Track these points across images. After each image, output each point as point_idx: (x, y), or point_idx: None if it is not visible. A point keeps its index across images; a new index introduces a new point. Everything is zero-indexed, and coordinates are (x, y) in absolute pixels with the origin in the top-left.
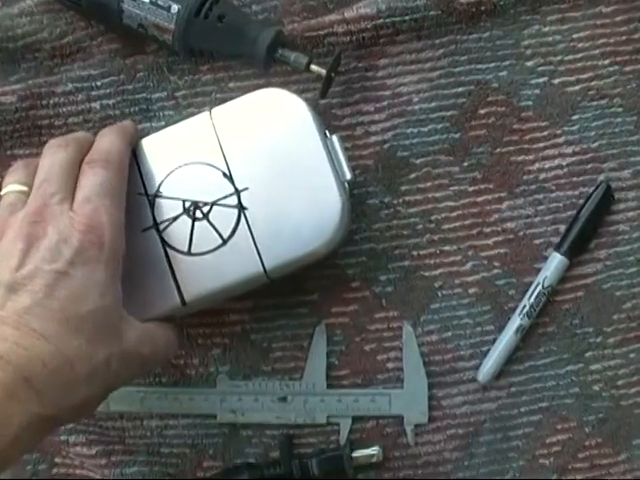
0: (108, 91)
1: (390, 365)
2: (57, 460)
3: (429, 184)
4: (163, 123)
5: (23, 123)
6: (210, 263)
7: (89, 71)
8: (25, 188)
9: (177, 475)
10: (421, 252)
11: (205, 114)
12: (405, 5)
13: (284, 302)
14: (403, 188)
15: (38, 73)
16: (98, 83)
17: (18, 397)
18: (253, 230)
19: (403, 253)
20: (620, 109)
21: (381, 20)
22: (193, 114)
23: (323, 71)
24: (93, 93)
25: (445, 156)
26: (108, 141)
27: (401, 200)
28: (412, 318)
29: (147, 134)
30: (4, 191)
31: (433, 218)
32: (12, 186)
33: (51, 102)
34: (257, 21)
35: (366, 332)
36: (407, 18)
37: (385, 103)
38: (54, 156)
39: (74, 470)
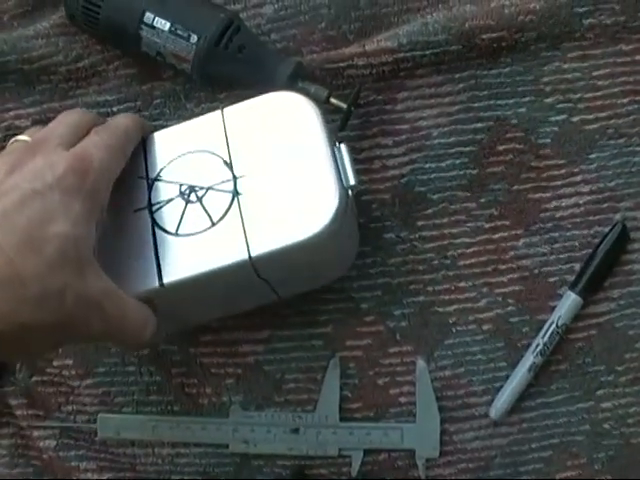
0: None
1: (403, 399)
2: None
3: (446, 220)
4: None
5: None
6: (195, 245)
7: (105, 97)
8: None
9: None
10: (436, 288)
11: (217, 112)
12: (426, 39)
13: (298, 334)
14: (419, 223)
15: (53, 96)
16: (114, 109)
17: None
18: (244, 216)
19: (418, 288)
20: (638, 148)
21: (402, 54)
22: None
23: (343, 105)
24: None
25: (462, 192)
26: (120, 119)
27: (417, 235)
28: (426, 353)
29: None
30: (15, 138)
31: (449, 254)
32: (21, 137)
33: None
34: (277, 52)
35: (379, 366)
36: (428, 52)
37: (403, 137)
38: (69, 115)
39: None
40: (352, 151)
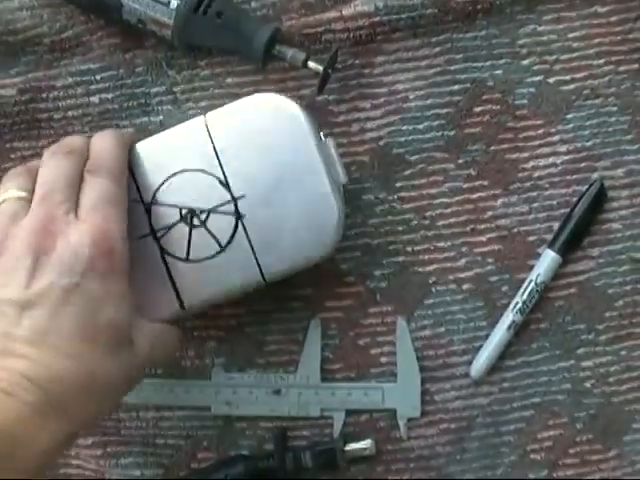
0: (107, 85)
1: (384, 359)
2: None
3: (424, 181)
4: (161, 117)
5: (22, 116)
6: (208, 269)
7: (89, 65)
8: (25, 194)
9: (172, 466)
10: (415, 248)
11: (200, 118)
12: (402, 3)
13: (279, 296)
14: (398, 184)
15: (38, 67)
16: (97, 77)
17: (45, 416)
18: (251, 237)
19: (397, 249)
20: (614, 108)
21: (378, 18)
22: (191, 109)
23: (320, 68)
24: (92, 87)
25: (440, 153)
26: (107, 147)
27: (396, 196)
28: (406, 313)
29: (142, 137)
30: (3, 197)
31: (428, 214)
32: (12, 192)
33: (51, 96)
34: (255, 18)
35: (360, 326)
36: (404, 16)
37: (381, 100)
38: (57, 165)
39: (69, 460)
40: (331, 115)
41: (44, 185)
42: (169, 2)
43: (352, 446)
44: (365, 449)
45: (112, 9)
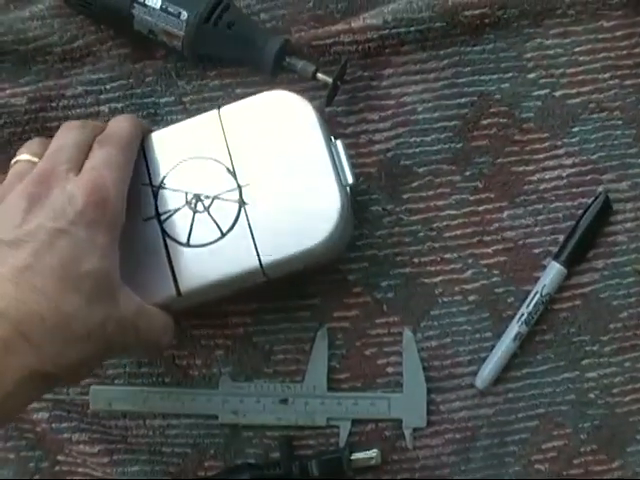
0: (117, 95)
1: (390, 370)
2: (59, 458)
3: (431, 192)
4: None
5: (32, 125)
6: (208, 255)
7: (99, 75)
8: (36, 159)
9: (178, 474)
10: (422, 259)
11: (214, 112)
12: (411, 16)
13: (286, 306)
14: (405, 196)
15: (48, 76)
16: (107, 86)
17: (15, 351)
18: (252, 225)
19: (404, 260)
20: (619, 122)
21: (387, 31)
22: None
23: (329, 80)
24: (102, 96)
25: (447, 165)
26: (120, 125)
27: (403, 208)
28: (412, 324)
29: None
30: (15, 159)
31: (434, 226)
32: (24, 155)
33: (60, 104)
34: (265, 29)
35: (367, 337)
36: (412, 29)
37: (389, 112)
38: (69, 133)
39: (76, 468)
40: (339, 126)
41: (52, 147)
42: (180, 13)
43: (358, 455)
44: (371, 459)
45: (123, 20)
